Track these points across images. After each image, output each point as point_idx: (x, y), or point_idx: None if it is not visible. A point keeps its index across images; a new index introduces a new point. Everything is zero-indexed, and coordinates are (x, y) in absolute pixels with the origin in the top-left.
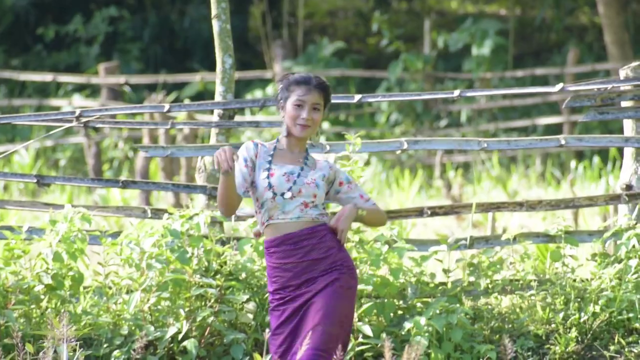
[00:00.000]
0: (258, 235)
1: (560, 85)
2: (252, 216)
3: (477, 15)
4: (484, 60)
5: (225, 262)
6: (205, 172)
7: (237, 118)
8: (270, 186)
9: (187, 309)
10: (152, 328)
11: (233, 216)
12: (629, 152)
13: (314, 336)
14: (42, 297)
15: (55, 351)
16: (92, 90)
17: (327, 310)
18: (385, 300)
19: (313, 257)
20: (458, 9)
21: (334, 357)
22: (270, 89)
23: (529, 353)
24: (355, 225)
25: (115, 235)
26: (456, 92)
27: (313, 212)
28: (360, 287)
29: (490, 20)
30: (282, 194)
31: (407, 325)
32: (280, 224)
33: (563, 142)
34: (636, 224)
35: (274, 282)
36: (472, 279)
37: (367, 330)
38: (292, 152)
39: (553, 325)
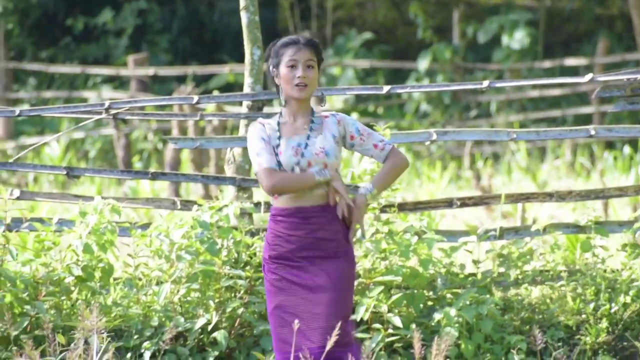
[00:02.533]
0: None
1: (589, 76)
2: None
3: (506, 5)
4: (513, 51)
5: (254, 254)
6: (235, 163)
7: (266, 109)
8: (280, 164)
9: (216, 300)
10: (182, 319)
11: (262, 207)
12: None
13: (327, 333)
14: (73, 288)
15: (86, 342)
16: (120, 82)
17: (337, 304)
18: (415, 291)
19: (319, 236)
20: (487, 0)
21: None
22: None
23: (560, 344)
24: (384, 216)
25: (145, 226)
26: (485, 83)
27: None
28: (389, 278)
29: (520, 11)
30: (292, 169)
31: (437, 316)
32: (292, 196)
33: (593, 132)
34: None
35: (273, 249)
36: (502, 269)
37: (397, 321)
38: (296, 120)
39: (583, 316)
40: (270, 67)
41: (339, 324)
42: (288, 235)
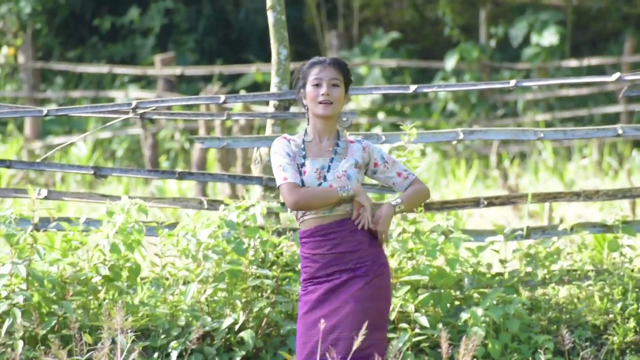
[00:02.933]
0: None
1: (617, 75)
2: None
3: (533, 5)
4: (541, 50)
5: (281, 253)
6: (261, 163)
7: (293, 109)
8: (302, 184)
9: (243, 300)
10: (209, 319)
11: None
12: None
13: (350, 342)
14: (100, 288)
15: (113, 342)
16: (147, 82)
17: (358, 315)
18: (442, 290)
19: (341, 250)
20: None
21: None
22: None
23: (587, 343)
24: (410, 215)
25: (172, 226)
26: (512, 82)
27: (346, 204)
28: (416, 277)
29: (548, 10)
30: None
31: (464, 315)
32: (314, 218)
33: (620, 131)
34: None
35: (305, 272)
36: (529, 269)
37: (424, 320)
38: (322, 142)
39: (611, 316)
40: (299, 90)
41: (363, 333)
42: (312, 255)
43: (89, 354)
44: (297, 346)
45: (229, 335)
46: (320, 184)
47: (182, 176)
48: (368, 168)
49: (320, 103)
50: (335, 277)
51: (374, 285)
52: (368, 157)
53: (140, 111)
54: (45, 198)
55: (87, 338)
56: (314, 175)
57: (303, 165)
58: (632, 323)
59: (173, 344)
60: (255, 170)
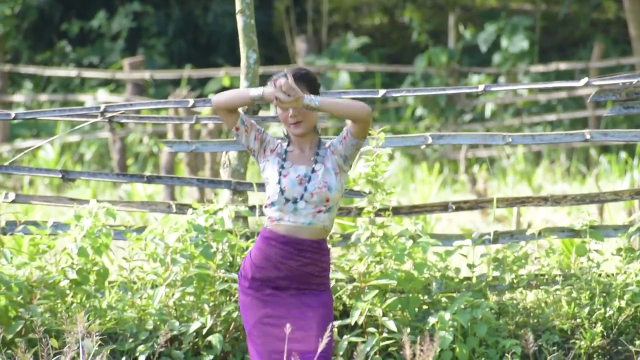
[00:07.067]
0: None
1: (585, 80)
2: None
3: (502, 10)
4: (511, 55)
5: None
6: (230, 167)
7: (262, 113)
8: (282, 191)
9: (211, 304)
10: (177, 323)
11: (257, 211)
12: None
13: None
14: (67, 292)
15: (80, 346)
16: (116, 86)
17: (321, 335)
18: (410, 295)
19: (309, 271)
20: (483, 4)
21: None
22: None
23: (554, 348)
24: (379, 219)
25: (140, 230)
26: (481, 87)
27: (324, 217)
28: (384, 281)
29: (517, 15)
30: (295, 201)
31: (432, 320)
32: (291, 226)
33: (588, 136)
34: None
35: (259, 271)
36: (496, 273)
37: (392, 325)
38: (303, 151)
39: (578, 320)
40: None
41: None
42: (279, 262)
43: (55, 358)
44: (256, 349)
45: (196, 339)
46: (302, 195)
47: (150, 180)
48: (346, 159)
49: (291, 125)
50: (296, 296)
51: (329, 316)
52: (337, 154)
53: (108, 115)
54: (13, 202)
55: (53, 342)
56: (295, 180)
57: (283, 167)
58: (599, 327)
59: (141, 347)
60: (224, 174)
